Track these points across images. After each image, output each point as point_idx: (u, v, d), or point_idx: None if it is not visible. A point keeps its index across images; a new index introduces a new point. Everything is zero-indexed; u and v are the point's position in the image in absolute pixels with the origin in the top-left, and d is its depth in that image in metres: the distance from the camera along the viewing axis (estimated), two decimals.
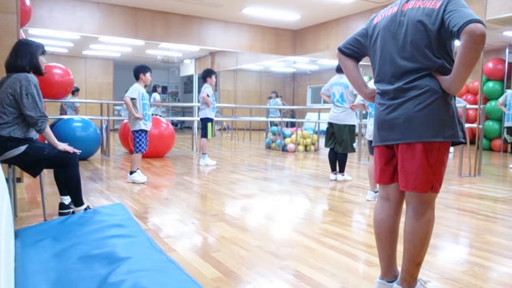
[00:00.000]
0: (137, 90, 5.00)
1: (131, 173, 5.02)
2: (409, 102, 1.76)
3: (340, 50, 2.04)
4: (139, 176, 5.02)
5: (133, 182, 4.95)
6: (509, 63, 9.61)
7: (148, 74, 5.13)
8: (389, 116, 1.82)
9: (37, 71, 3.14)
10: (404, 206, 1.94)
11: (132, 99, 4.96)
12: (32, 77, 3.03)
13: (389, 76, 1.84)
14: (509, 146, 7.25)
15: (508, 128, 7.08)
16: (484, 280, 2.23)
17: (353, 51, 2.02)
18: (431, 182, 1.77)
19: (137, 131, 5.03)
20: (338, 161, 5.36)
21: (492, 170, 6.76)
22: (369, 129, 4.18)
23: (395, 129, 1.80)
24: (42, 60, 3.16)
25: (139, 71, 5.12)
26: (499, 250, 2.72)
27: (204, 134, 6.61)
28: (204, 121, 6.57)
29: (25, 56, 3.04)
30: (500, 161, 7.15)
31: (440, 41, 1.72)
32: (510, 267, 2.44)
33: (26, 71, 3.05)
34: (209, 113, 6.54)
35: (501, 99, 7.55)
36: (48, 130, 3.09)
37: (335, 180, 5.36)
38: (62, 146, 3.13)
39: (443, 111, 1.74)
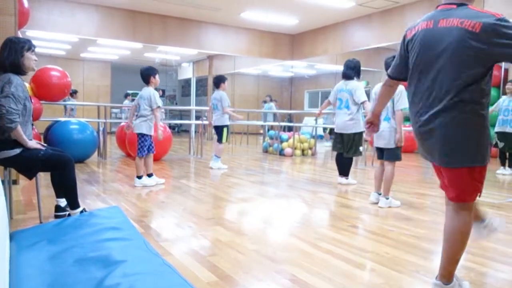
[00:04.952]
0: (158, 96, 4.82)
1: (139, 177, 4.91)
2: (449, 122, 1.82)
3: (389, 76, 2.18)
4: (148, 180, 4.93)
5: (144, 186, 4.87)
6: (505, 69, 9.66)
7: (157, 76, 4.90)
8: (425, 133, 1.91)
9: (17, 70, 2.96)
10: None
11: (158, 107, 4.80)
12: (14, 77, 2.91)
13: (427, 93, 1.88)
14: (498, 151, 7.23)
15: (498, 133, 7.08)
16: (480, 285, 2.23)
17: (399, 76, 2.13)
18: (477, 191, 1.92)
19: (144, 135, 4.86)
20: (343, 164, 5.38)
21: (488, 176, 6.75)
22: (375, 136, 4.18)
23: (433, 151, 1.93)
24: (29, 57, 3.00)
25: (149, 73, 4.81)
26: (495, 255, 2.73)
27: (220, 139, 6.63)
28: (221, 128, 6.59)
29: (8, 54, 2.92)
30: (496, 167, 7.17)
31: (481, 63, 1.75)
32: (506, 272, 2.44)
33: (8, 69, 2.93)
34: (226, 119, 6.59)
35: (494, 106, 7.49)
36: (17, 130, 2.91)
37: (343, 183, 5.37)
38: (32, 143, 3.01)
39: (481, 134, 1.83)
